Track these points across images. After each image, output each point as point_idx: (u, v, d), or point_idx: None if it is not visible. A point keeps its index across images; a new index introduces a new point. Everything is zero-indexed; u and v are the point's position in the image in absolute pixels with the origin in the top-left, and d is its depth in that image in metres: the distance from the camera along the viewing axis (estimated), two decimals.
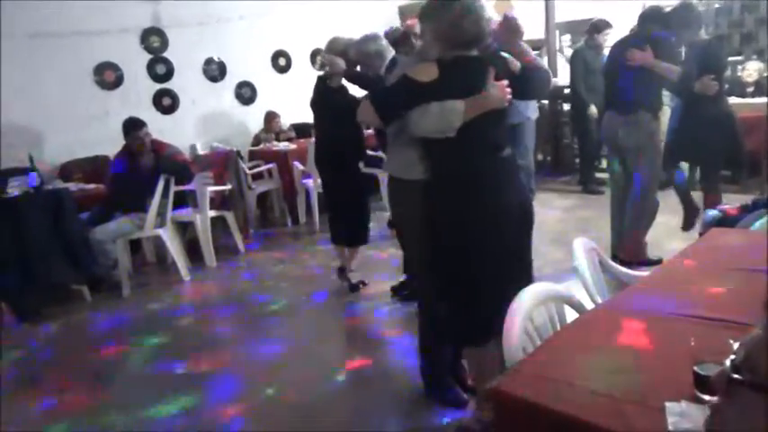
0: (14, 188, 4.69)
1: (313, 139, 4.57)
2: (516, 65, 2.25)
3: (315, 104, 4.11)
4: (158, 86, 6.83)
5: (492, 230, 2.15)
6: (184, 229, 5.31)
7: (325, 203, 4.55)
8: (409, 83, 2.14)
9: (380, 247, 4.98)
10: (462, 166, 2.16)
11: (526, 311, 1.64)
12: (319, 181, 5.00)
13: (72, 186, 5.06)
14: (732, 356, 1.00)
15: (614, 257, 3.80)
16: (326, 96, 3.93)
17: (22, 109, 5.84)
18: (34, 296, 4.34)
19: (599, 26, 5.99)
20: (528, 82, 2.30)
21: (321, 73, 4.04)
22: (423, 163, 2.30)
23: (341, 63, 3.75)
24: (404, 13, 7.46)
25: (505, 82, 2.15)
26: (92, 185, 5.22)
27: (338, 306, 4.06)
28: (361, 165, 4.16)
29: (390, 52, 3.47)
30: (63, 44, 6.10)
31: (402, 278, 3.94)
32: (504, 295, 1.71)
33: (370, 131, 4.66)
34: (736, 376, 0.97)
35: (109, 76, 6.50)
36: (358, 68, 3.71)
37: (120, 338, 3.83)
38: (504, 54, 2.29)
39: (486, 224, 2.15)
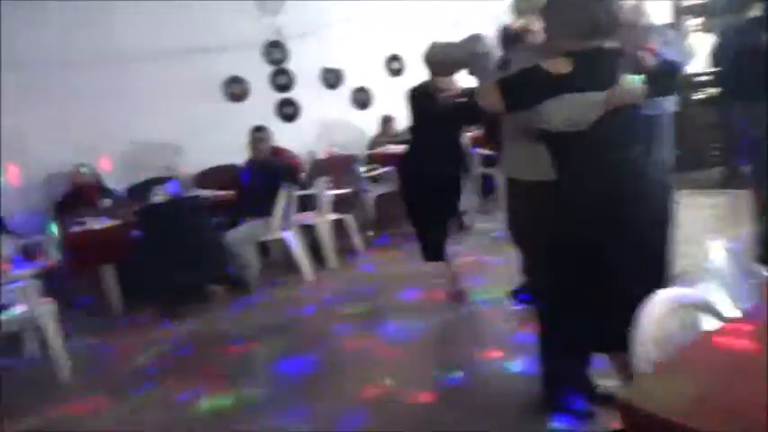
0: (158, 195, 5.15)
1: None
2: (649, 60, 2.11)
3: (414, 113, 3.99)
4: (280, 96, 7.19)
5: (627, 230, 2.02)
6: (308, 231, 5.54)
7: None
8: (542, 73, 2.04)
9: (494, 251, 4.90)
10: (594, 162, 2.04)
11: (657, 318, 1.54)
12: None
13: (207, 193, 5.45)
14: None
15: (760, 259, 3.47)
16: (424, 104, 3.83)
17: (162, 123, 6.38)
18: (175, 295, 4.72)
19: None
20: (663, 78, 2.15)
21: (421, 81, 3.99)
22: (546, 162, 2.19)
23: (458, 88, 3.64)
24: (519, 10, 7.26)
25: (641, 77, 2.03)
26: (224, 192, 5.59)
27: (455, 307, 4.04)
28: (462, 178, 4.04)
29: (497, 52, 3.37)
30: (194, 62, 6.59)
31: (521, 282, 3.85)
32: (639, 298, 1.61)
33: (472, 134, 4.53)
34: None
35: (236, 89, 6.93)
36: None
37: (251, 335, 4.07)
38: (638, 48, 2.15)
39: (620, 224, 2.02)
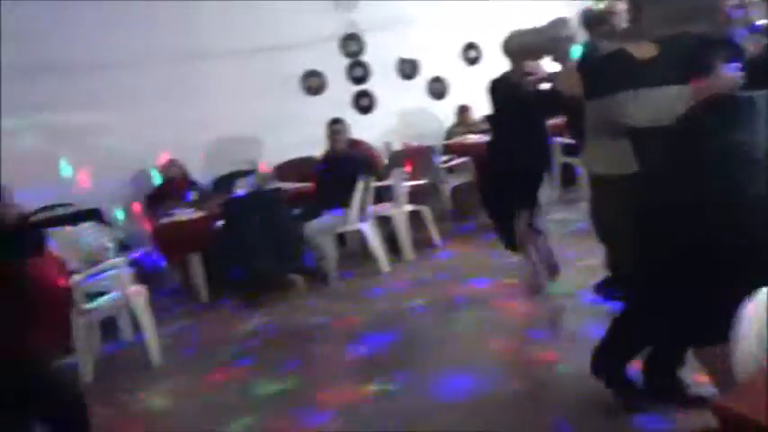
0: (240, 188, 5.33)
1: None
2: (755, 47, 1.94)
3: (496, 103, 3.88)
4: (357, 88, 7.25)
5: (728, 225, 1.89)
6: (385, 223, 5.57)
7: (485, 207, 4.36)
8: (625, 58, 1.93)
9: (574, 243, 4.74)
10: (687, 156, 1.91)
11: (763, 315, 1.42)
12: None
13: (287, 185, 5.57)
14: None
15: None
16: (507, 93, 3.71)
17: (243, 118, 6.58)
18: (256, 285, 4.87)
19: None
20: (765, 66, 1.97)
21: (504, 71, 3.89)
22: (631, 157, 2.07)
23: (543, 71, 3.53)
24: None
25: (737, 65, 1.88)
26: (303, 184, 5.70)
27: (531, 300, 3.95)
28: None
29: (580, 37, 3.24)
30: (273, 58, 6.74)
31: (605, 276, 3.69)
32: (743, 293, 1.49)
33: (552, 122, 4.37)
34: None
35: (314, 83, 7.04)
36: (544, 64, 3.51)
37: (329, 325, 4.13)
38: (741, 33, 1.99)
39: (721, 218, 1.89)
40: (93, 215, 5.55)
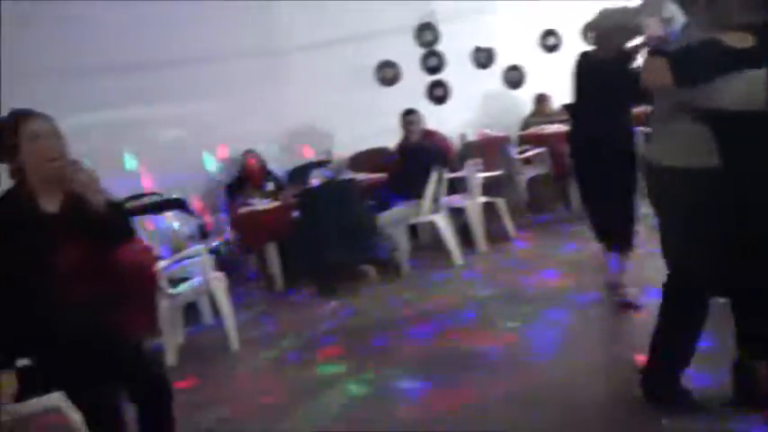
0: (316, 178, 5.41)
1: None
2: None
3: (579, 83, 3.58)
4: (431, 78, 7.19)
5: None
6: (458, 215, 5.51)
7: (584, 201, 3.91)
8: (721, 48, 1.83)
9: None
10: None
11: None
12: None
13: (360, 176, 5.61)
14: None
15: None
16: (596, 71, 3.40)
17: (319, 109, 6.67)
18: (330, 273, 4.94)
19: None
20: None
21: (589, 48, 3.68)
22: (709, 146, 1.95)
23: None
24: None
25: None
26: (376, 175, 5.72)
27: (608, 301, 3.78)
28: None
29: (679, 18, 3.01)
30: (348, 49, 6.78)
31: None
32: None
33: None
34: None
35: (388, 73, 7.04)
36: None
37: (400, 317, 4.13)
38: None
39: None
40: (178, 204, 5.83)
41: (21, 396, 2.58)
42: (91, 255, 2.05)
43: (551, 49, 7.43)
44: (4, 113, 2.08)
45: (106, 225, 2.03)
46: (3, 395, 1.86)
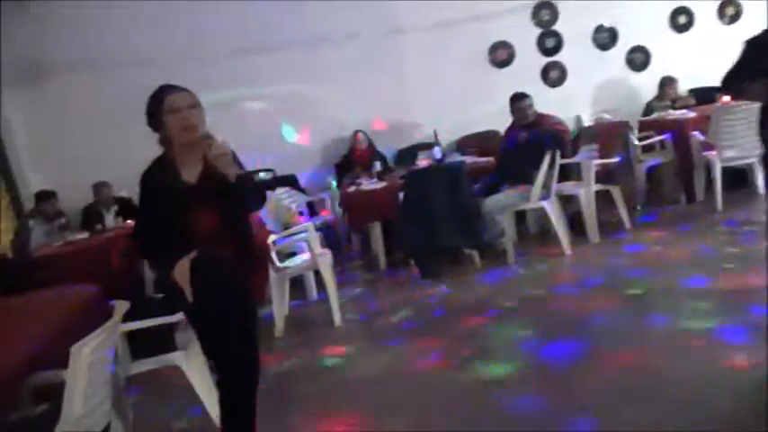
0: (423, 160, 5.39)
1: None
2: None
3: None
4: (547, 60, 6.91)
5: None
6: (568, 202, 5.29)
7: None
8: None
9: None
10: None
11: None
12: (728, 154, 4.31)
13: (467, 159, 5.52)
14: None
15: None
16: None
17: (428, 90, 6.63)
18: (434, 256, 4.92)
19: None
20: None
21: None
22: None
23: None
24: None
25: None
26: (484, 159, 5.61)
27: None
28: None
29: None
30: (463, 30, 6.67)
31: None
32: None
33: None
34: None
35: (501, 55, 6.86)
36: None
37: (502, 306, 4.04)
38: None
39: None
40: (289, 181, 6.04)
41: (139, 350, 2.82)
42: (225, 222, 2.21)
43: (682, 28, 6.90)
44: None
45: (238, 195, 2.17)
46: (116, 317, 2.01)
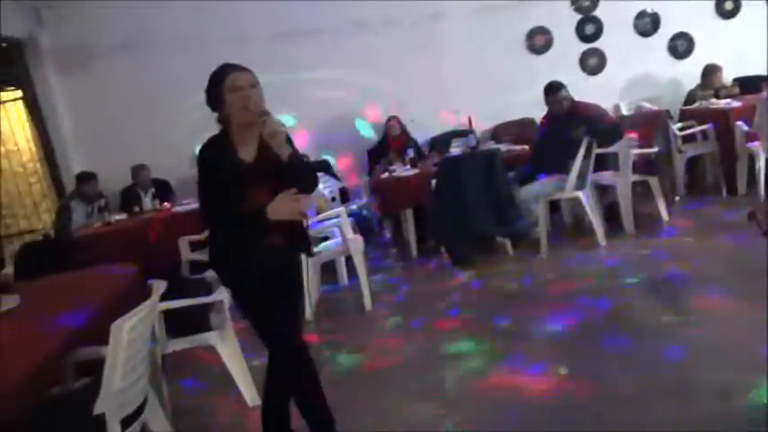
0: (457, 148, 5.36)
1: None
2: None
3: None
4: (586, 47, 6.77)
5: None
6: (605, 193, 5.19)
7: None
8: None
9: None
10: None
11: None
12: None
13: (502, 147, 5.46)
14: None
15: None
16: None
17: (463, 77, 6.56)
18: (466, 244, 4.90)
19: None
20: None
21: None
22: None
23: None
24: None
25: None
26: (519, 147, 5.53)
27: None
28: None
29: None
30: (500, 15, 6.57)
31: None
32: None
33: None
34: None
35: (539, 41, 6.73)
36: None
37: (534, 296, 4.01)
38: None
39: None
40: (323, 166, 6.07)
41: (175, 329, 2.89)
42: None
43: (728, 14, 6.67)
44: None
45: (291, 176, 2.18)
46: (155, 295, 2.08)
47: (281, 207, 2.14)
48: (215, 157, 2.20)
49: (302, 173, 2.25)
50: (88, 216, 5.56)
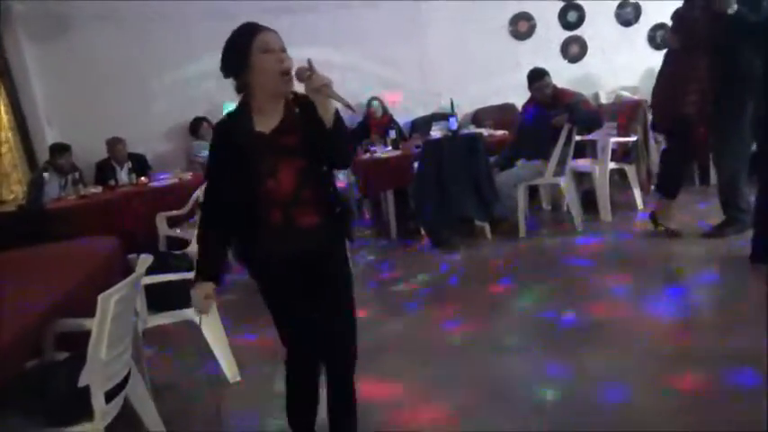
0: (437, 131, 5.36)
1: None
2: None
3: None
4: (568, 34, 6.82)
5: None
6: (583, 179, 5.27)
7: None
8: None
9: None
10: None
11: None
12: None
13: (483, 131, 5.49)
14: None
15: None
16: None
17: (446, 60, 6.56)
18: (446, 227, 4.93)
19: None
20: None
21: None
22: None
23: None
24: None
25: None
26: (500, 132, 5.57)
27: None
28: None
29: None
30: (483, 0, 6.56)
31: None
32: None
33: None
34: None
35: (522, 27, 6.76)
36: None
37: (512, 277, 4.07)
38: None
39: None
40: None
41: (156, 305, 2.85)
42: (305, 181, 1.90)
43: None
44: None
45: (335, 142, 1.88)
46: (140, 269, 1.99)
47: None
48: (227, 131, 1.91)
49: (342, 143, 1.91)
50: (62, 188, 5.44)
